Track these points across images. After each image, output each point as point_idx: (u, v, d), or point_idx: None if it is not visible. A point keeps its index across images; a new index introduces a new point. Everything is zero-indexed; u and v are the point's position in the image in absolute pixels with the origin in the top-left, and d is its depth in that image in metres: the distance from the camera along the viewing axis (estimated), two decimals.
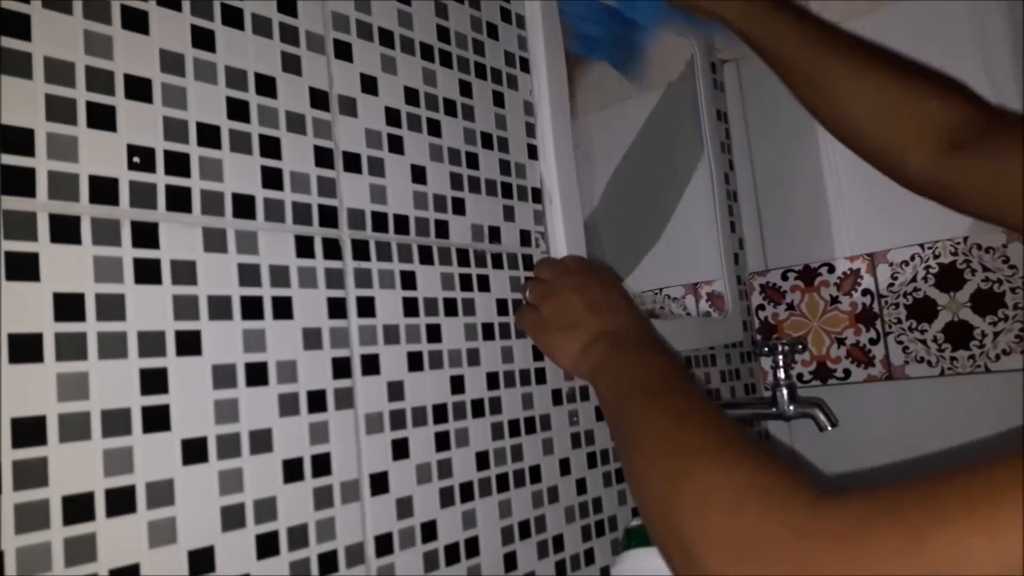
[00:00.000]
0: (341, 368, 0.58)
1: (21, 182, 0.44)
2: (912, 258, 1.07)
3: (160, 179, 0.50)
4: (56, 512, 0.43)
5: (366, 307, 0.61)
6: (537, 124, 0.81)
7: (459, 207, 0.71)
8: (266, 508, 0.52)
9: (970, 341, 1.02)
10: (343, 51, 0.63)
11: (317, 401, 0.56)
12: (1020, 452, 0.38)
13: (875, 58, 0.67)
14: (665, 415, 0.51)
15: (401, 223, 0.65)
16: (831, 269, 1.13)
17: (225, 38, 0.55)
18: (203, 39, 0.54)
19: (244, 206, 0.54)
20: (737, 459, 0.43)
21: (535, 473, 0.73)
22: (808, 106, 0.70)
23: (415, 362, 0.64)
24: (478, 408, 0.69)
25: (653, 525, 0.46)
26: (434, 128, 0.70)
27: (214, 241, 0.52)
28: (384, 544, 0.59)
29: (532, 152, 0.80)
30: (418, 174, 0.67)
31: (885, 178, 1.09)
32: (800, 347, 1.00)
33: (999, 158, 0.58)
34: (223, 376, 0.51)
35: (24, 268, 0.43)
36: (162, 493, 0.47)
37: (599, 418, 0.83)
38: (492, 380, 0.70)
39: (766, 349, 0.95)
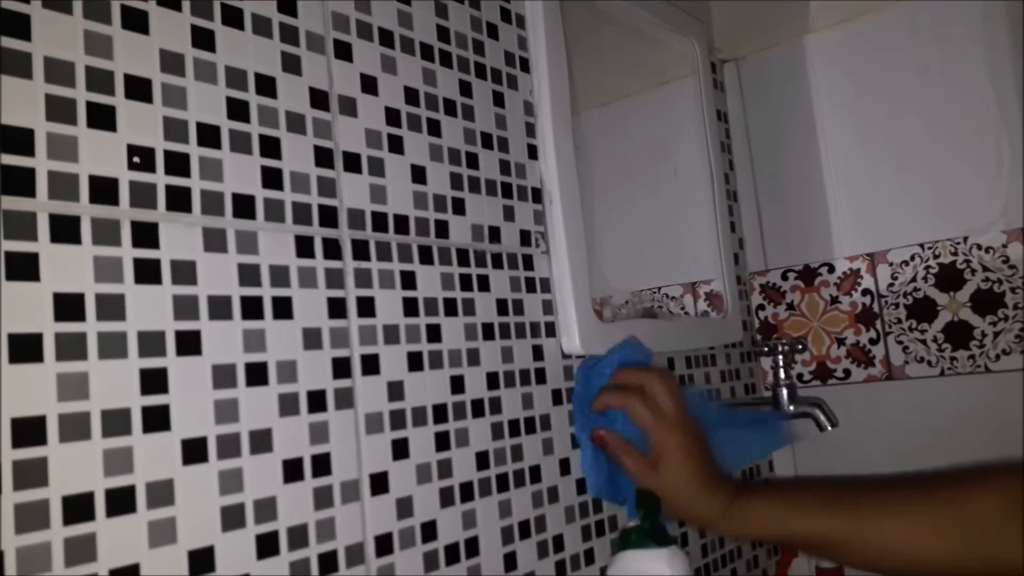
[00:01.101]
0: (341, 368, 0.58)
1: (21, 182, 0.44)
2: (912, 258, 1.07)
3: (160, 179, 0.50)
4: (56, 512, 0.42)
5: (366, 307, 0.61)
6: (537, 124, 0.81)
7: (459, 207, 0.71)
8: (266, 508, 0.52)
9: (970, 341, 1.02)
10: (343, 51, 0.63)
11: (317, 401, 0.56)
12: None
13: (886, 488, 0.65)
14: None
15: (401, 223, 0.65)
16: (831, 269, 1.13)
17: (225, 38, 0.55)
18: (203, 39, 0.54)
19: (244, 206, 0.54)
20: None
21: (535, 473, 0.73)
22: (850, 564, 0.68)
23: (415, 362, 0.64)
24: (478, 408, 0.69)
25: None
26: (434, 128, 0.70)
27: (214, 241, 0.52)
28: (384, 544, 0.59)
29: (532, 152, 0.80)
30: (418, 174, 0.67)
31: (885, 178, 1.09)
32: (800, 347, 1.00)
33: None
34: (223, 376, 0.51)
35: (24, 268, 0.43)
36: (162, 493, 0.47)
37: None
38: (492, 380, 0.70)
39: (766, 349, 0.95)
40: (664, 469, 0.72)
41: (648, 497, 0.71)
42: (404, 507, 0.61)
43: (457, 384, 0.67)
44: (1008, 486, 0.58)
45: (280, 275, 0.56)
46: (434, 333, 0.66)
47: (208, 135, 0.53)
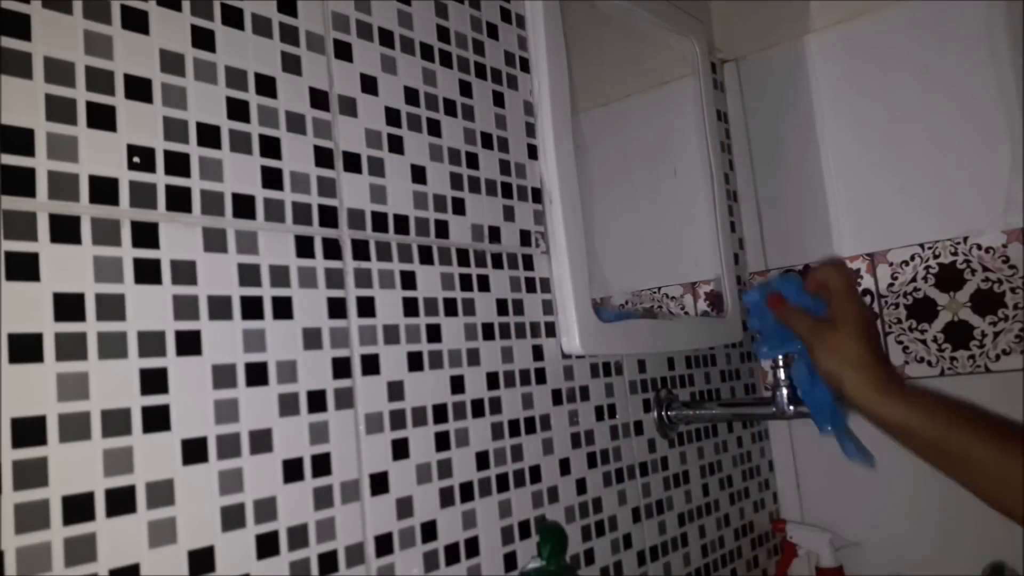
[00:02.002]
0: (341, 368, 0.58)
1: (21, 182, 0.44)
2: (912, 258, 1.07)
3: (160, 179, 0.50)
4: (56, 512, 0.43)
5: (366, 307, 0.61)
6: (537, 124, 0.81)
7: (459, 207, 0.71)
8: (266, 508, 0.52)
9: (970, 341, 1.02)
10: (343, 51, 0.63)
11: (317, 401, 0.56)
12: None
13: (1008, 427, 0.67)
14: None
15: (401, 223, 0.65)
16: None
17: (225, 38, 0.55)
18: (203, 39, 0.54)
19: (244, 206, 0.54)
20: None
21: (535, 473, 0.73)
22: (951, 476, 0.71)
23: (415, 362, 0.64)
24: (478, 408, 0.69)
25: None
26: (434, 128, 0.70)
27: (214, 241, 0.52)
28: (384, 544, 0.59)
29: (532, 152, 0.80)
30: (418, 174, 0.67)
31: (885, 178, 1.09)
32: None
33: None
34: (223, 376, 0.51)
35: (24, 268, 0.43)
36: (162, 493, 0.47)
37: (599, 418, 0.83)
38: (492, 380, 0.70)
39: None
40: (845, 328, 0.71)
41: (553, 535, 0.69)
42: (404, 507, 0.61)
43: (457, 384, 0.67)
44: None
45: (280, 275, 0.56)
46: (434, 333, 0.66)
47: (208, 135, 0.53)
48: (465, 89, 0.74)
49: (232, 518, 0.50)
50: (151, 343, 0.48)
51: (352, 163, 0.62)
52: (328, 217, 0.60)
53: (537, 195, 0.80)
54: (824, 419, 0.77)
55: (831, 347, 0.71)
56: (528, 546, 0.71)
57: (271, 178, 0.56)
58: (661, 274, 1.07)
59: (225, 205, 0.53)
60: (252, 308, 0.54)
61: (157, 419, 0.47)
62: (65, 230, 0.45)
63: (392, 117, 0.66)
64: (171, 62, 0.52)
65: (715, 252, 1.07)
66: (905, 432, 0.70)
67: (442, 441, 0.65)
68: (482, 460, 0.68)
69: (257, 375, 0.53)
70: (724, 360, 1.09)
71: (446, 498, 0.64)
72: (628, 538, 0.84)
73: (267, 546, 0.52)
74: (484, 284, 0.72)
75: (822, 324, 0.73)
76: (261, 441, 0.52)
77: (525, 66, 0.82)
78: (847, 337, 0.71)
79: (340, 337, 0.59)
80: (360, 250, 0.61)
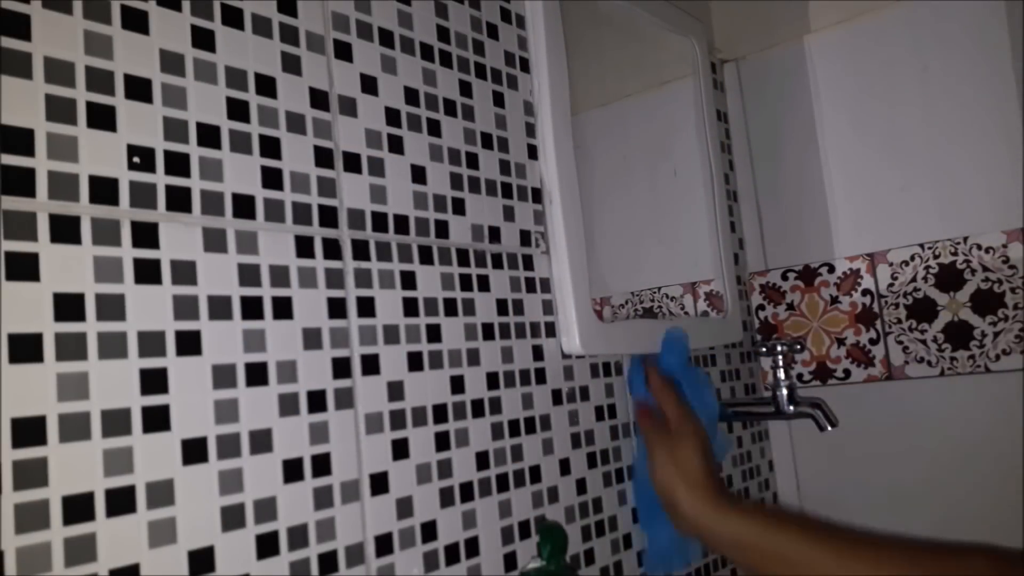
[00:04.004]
0: (341, 368, 0.58)
1: (21, 182, 0.44)
2: (912, 258, 1.07)
3: (160, 179, 0.50)
4: (56, 512, 0.43)
5: (366, 307, 0.61)
6: (537, 124, 0.81)
7: (459, 207, 0.71)
8: (266, 508, 0.52)
9: (970, 341, 1.02)
10: (343, 51, 0.63)
11: (317, 401, 0.56)
12: None
13: (888, 546, 0.67)
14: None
15: (401, 223, 0.65)
16: (831, 269, 1.13)
17: (225, 38, 0.55)
18: (203, 39, 0.54)
19: (244, 206, 0.54)
20: None
21: (535, 473, 0.73)
22: None
23: (415, 362, 0.64)
24: (478, 408, 0.69)
25: None
26: (434, 128, 0.70)
27: (214, 241, 0.52)
28: (384, 544, 0.59)
29: (532, 152, 0.80)
30: (418, 174, 0.67)
31: (885, 178, 1.09)
32: (800, 347, 1.00)
33: None
34: (223, 376, 0.51)
35: (24, 268, 0.43)
36: (162, 493, 0.47)
37: (599, 418, 0.83)
38: (492, 380, 0.70)
39: (765, 349, 0.95)
40: (681, 443, 0.76)
41: (553, 535, 0.69)
42: (404, 507, 0.61)
43: (457, 384, 0.67)
44: (1000, 562, 0.59)
45: (280, 275, 0.56)
46: (434, 333, 0.66)
47: (208, 135, 0.53)
48: (465, 89, 0.74)
49: (232, 518, 0.50)
50: (151, 343, 0.48)
51: (352, 163, 0.62)
52: (328, 217, 0.60)
53: (537, 195, 0.80)
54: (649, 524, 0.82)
55: (672, 459, 0.76)
56: (528, 546, 0.71)
57: (271, 178, 0.56)
58: (661, 274, 1.07)
59: (225, 205, 0.53)
60: (252, 308, 0.54)
61: (157, 419, 0.47)
62: (65, 230, 0.45)
63: (392, 117, 0.66)
64: (171, 62, 0.52)
65: (715, 252, 1.07)
66: (740, 546, 0.72)
67: (442, 441, 0.65)
68: (482, 460, 0.68)
69: (257, 375, 0.53)
70: (724, 360, 1.09)
71: (446, 498, 0.64)
72: (628, 538, 0.84)
73: (267, 546, 0.52)
74: (484, 284, 0.72)
75: (666, 435, 0.78)
76: (261, 441, 0.52)
77: (525, 66, 0.82)
78: (687, 450, 0.76)
79: (340, 337, 0.59)
80: (360, 250, 0.61)
